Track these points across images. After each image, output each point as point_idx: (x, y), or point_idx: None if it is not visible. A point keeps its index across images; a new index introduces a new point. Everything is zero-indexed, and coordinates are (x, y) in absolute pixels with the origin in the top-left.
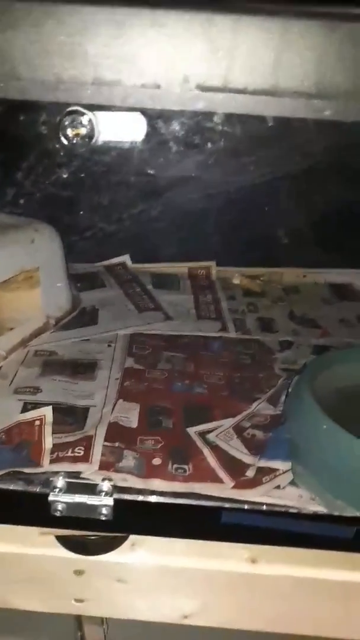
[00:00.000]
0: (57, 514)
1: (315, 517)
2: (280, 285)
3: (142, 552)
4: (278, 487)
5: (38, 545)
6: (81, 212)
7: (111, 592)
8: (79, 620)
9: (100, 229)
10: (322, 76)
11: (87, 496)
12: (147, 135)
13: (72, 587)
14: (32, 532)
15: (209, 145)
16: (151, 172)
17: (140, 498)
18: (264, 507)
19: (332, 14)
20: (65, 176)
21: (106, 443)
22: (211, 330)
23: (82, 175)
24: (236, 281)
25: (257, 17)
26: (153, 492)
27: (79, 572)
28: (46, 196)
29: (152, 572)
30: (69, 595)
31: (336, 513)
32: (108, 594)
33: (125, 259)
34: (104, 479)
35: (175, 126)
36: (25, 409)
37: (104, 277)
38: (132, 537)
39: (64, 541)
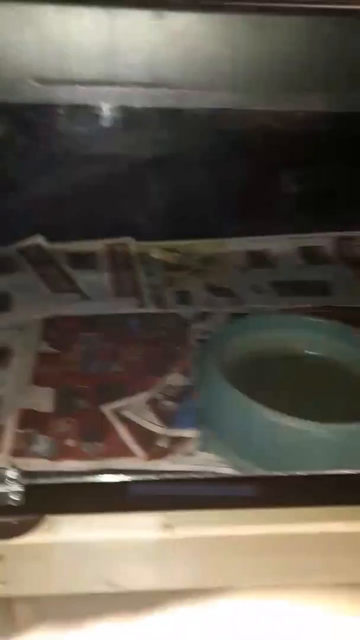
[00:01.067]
0: None
1: (223, 480)
2: (198, 257)
3: (59, 531)
4: (189, 454)
5: None
6: None
7: (31, 572)
8: (7, 601)
9: (10, 210)
10: (156, 66)
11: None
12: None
13: None
14: None
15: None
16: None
17: (50, 480)
18: (173, 475)
19: (163, 2)
20: None
21: (18, 430)
22: (129, 307)
23: None
24: (155, 255)
25: (88, 8)
26: (63, 473)
27: None
28: None
29: (71, 549)
30: None
31: (243, 473)
32: (29, 574)
33: (40, 239)
34: (12, 466)
35: None
36: None
37: (17, 260)
38: (49, 518)
39: None
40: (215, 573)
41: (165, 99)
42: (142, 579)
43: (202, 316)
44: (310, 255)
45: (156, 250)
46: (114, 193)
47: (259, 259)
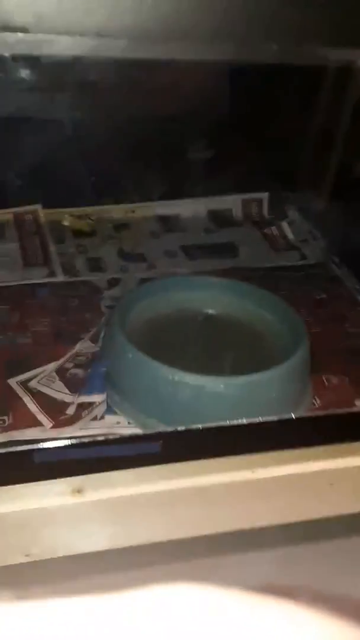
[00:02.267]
0: None
1: (129, 439)
2: (110, 223)
3: None
4: (95, 418)
5: None
6: None
7: None
8: None
9: None
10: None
11: None
12: None
13: None
14: None
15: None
16: None
17: None
18: (80, 440)
19: None
20: None
21: None
22: (38, 276)
23: None
24: (66, 223)
25: None
26: None
27: None
28: None
29: None
30: None
31: (148, 431)
32: None
33: None
34: None
35: None
36: None
37: None
38: None
39: None
40: (130, 532)
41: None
42: (58, 546)
43: (114, 283)
44: (219, 219)
45: (67, 217)
46: (22, 158)
47: (170, 224)
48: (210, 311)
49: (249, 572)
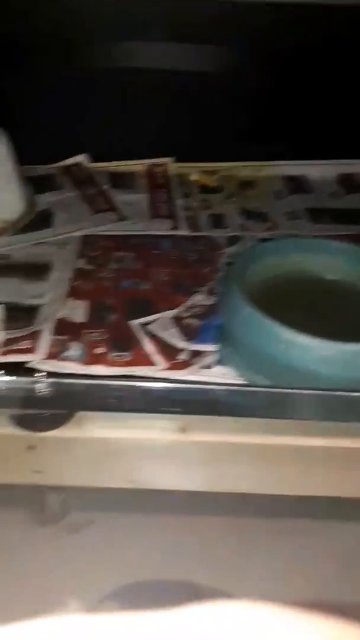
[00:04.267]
0: (3, 394)
1: (237, 389)
2: (236, 181)
3: (86, 427)
4: (205, 366)
5: None
6: (33, 111)
7: (62, 464)
8: (41, 488)
9: (54, 127)
10: None
11: (29, 380)
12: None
13: (27, 460)
14: None
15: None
16: (104, 64)
17: (80, 381)
18: (189, 384)
19: None
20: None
21: (53, 336)
22: (163, 229)
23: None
24: (193, 177)
25: None
26: (92, 376)
27: (32, 447)
28: None
29: (96, 444)
30: (27, 467)
31: (258, 385)
32: (60, 465)
33: (82, 158)
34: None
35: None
36: None
37: (59, 178)
38: (78, 414)
39: (17, 420)
40: (224, 478)
41: None
42: (158, 478)
43: (234, 240)
44: (349, 183)
45: (195, 172)
46: (156, 112)
47: (296, 185)
48: (330, 277)
49: (334, 540)
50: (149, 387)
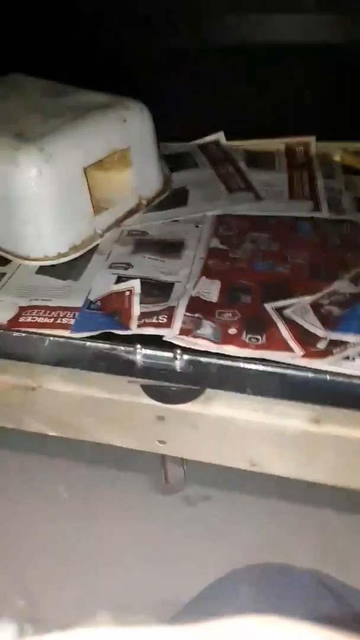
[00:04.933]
0: (140, 365)
1: None
2: None
3: (215, 405)
4: (347, 358)
5: (125, 392)
6: (172, 88)
7: (187, 437)
8: (163, 459)
9: (193, 105)
10: None
11: (166, 354)
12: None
13: (154, 430)
14: (120, 380)
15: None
16: (247, 40)
17: (213, 359)
18: (328, 376)
19: None
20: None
21: (187, 313)
22: (302, 210)
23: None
24: (337, 157)
25: None
26: (224, 356)
27: (160, 418)
28: (133, 70)
29: (223, 423)
30: (153, 436)
31: None
32: (185, 439)
33: (219, 136)
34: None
35: None
36: (118, 281)
37: (196, 156)
38: (208, 391)
39: (149, 391)
40: (351, 474)
41: None
42: (282, 465)
43: None
44: None
45: (339, 152)
46: (297, 88)
47: None
48: None
49: None
50: (284, 373)
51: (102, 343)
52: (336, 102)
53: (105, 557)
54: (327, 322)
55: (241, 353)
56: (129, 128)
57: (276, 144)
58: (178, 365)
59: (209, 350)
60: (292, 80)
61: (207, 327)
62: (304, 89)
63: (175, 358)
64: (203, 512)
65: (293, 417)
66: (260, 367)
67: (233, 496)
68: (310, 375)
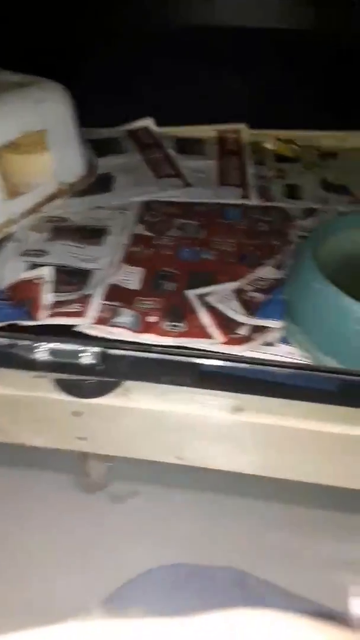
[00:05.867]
0: (47, 359)
1: (302, 370)
2: (317, 151)
3: (134, 397)
4: (268, 344)
5: (38, 388)
6: (102, 72)
7: (107, 432)
8: (84, 455)
9: (120, 89)
10: None
11: (76, 345)
12: None
13: (72, 426)
14: (25, 376)
15: None
16: (180, 24)
17: (129, 349)
18: (247, 363)
19: None
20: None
21: (105, 302)
22: (231, 197)
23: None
24: (269, 146)
25: None
26: (142, 345)
27: (76, 413)
28: (58, 52)
29: (143, 416)
30: (71, 433)
31: (325, 368)
32: (105, 434)
33: (149, 122)
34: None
35: None
36: (29, 269)
37: (124, 142)
38: (127, 383)
39: (62, 385)
40: (279, 463)
41: None
42: (208, 457)
43: (310, 213)
44: None
45: (271, 140)
46: (230, 75)
47: None
48: None
49: None
50: (202, 362)
51: (1, 337)
52: (269, 90)
53: (28, 561)
54: (250, 308)
55: (160, 341)
56: (45, 110)
57: (208, 131)
58: (89, 357)
59: (126, 339)
60: (224, 67)
61: (126, 316)
62: (236, 76)
63: (83, 350)
64: (131, 509)
65: (215, 407)
66: (177, 359)
67: (162, 490)
68: (228, 363)
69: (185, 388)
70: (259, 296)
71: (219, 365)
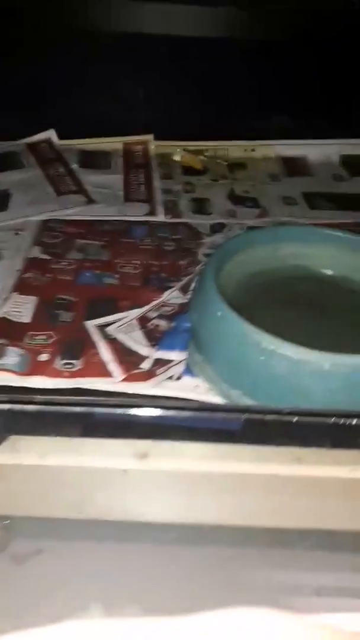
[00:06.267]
0: None
1: (207, 409)
2: (225, 161)
3: (23, 453)
4: (172, 377)
5: None
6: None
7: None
8: None
9: (19, 100)
10: None
11: None
12: None
13: None
14: None
15: None
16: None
17: (15, 397)
18: (151, 400)
19: None
20: None
21: None
22: (137, 213)
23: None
24: (176, 157)
25: None
26: (30, 390)
27: None
28: None
29: (36, 472)
30: None
31: (232, 404)
32: None
33: (51, 134)
34: None
35: None
36: None
37: (23, 156)
38: (12, 438)
39: None
40: (191, 509)
41: None
42: (113, 509)
43: (218, 228)
44: (354, 166)
45: (178, 151)
46: (135, 83)
47: (293, 167)
48: (328, 272)
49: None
50: (100, 404)
51: None
52: (176, 99)
53: None
54: (154, 338)
55: (51, 384)
56: None
57: (113, 144)
58: None
59: (9, 384)
60: (130, 76)
61: (12, 355)
62: (141, 86)
63: None
64: (35, 569)
65: (115, 456)
66: (75, 400)
67: (69, 545)
68: (131, 401)
69: (81, 438)
70: (163, 324)
71: (116, 407)
